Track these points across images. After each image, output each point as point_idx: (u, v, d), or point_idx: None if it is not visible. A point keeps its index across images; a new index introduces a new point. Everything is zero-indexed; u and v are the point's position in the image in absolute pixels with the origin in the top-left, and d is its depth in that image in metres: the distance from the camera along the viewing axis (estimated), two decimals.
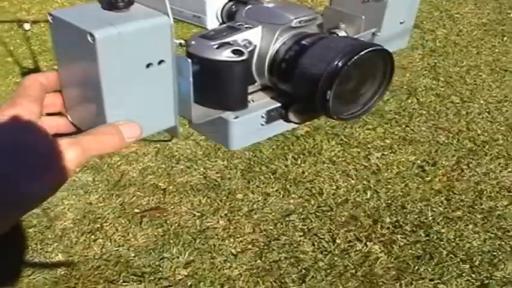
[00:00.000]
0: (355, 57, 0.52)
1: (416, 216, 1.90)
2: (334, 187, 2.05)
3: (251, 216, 1.93)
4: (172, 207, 1.96)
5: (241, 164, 2.19)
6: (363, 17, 0.66)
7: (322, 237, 1.83)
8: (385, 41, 0.71)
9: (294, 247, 1.80)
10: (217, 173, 2.15)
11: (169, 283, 1.67)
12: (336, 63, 0.51)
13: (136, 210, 1.95)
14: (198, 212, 1.94)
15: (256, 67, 0.57)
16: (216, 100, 0.54)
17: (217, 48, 0.51)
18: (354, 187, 2.05)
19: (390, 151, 2.24)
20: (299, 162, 2.20)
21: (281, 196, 2.02)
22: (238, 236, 1.84)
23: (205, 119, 0.54)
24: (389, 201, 1.97)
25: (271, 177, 2.12)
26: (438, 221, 1.88)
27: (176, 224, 1.89)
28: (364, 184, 2.06)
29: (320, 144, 2.29)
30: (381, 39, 0.68)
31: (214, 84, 0.52)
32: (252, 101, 0.58)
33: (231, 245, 1.81)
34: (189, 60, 0.50)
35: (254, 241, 1.82)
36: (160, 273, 1.70)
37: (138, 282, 1.68)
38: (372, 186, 2.04)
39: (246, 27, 0.56)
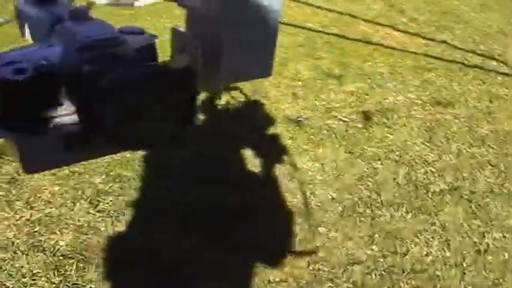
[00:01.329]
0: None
1: None
2: (424, 253, 1.77)
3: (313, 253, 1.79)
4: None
5: (346, 202, 2.03)
6: None
7: None
8: None
9: None
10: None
11: None
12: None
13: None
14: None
15: (63, 87, 0.54)
16: (10, 121, 0.50)
17: (1, 66, 0.49)
18: (444, 260, 1.74)
19: None
20: (408, 217, 1.94)
21: (361, 243, 1.82)
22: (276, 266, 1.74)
23: None
24: (470, 286, 1.61)
25: (369, 222, 1.93)
26: None
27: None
28: (457, 260, 1.72)
29: (446, 206, 1.98)
30: None
31: (4, 104, 0.50)
32: (56, 123, 0.53)
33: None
34: None
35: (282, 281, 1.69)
36: None
37: None
38: (465, 265, 1.71)
39: (48, 46, 0.53)
